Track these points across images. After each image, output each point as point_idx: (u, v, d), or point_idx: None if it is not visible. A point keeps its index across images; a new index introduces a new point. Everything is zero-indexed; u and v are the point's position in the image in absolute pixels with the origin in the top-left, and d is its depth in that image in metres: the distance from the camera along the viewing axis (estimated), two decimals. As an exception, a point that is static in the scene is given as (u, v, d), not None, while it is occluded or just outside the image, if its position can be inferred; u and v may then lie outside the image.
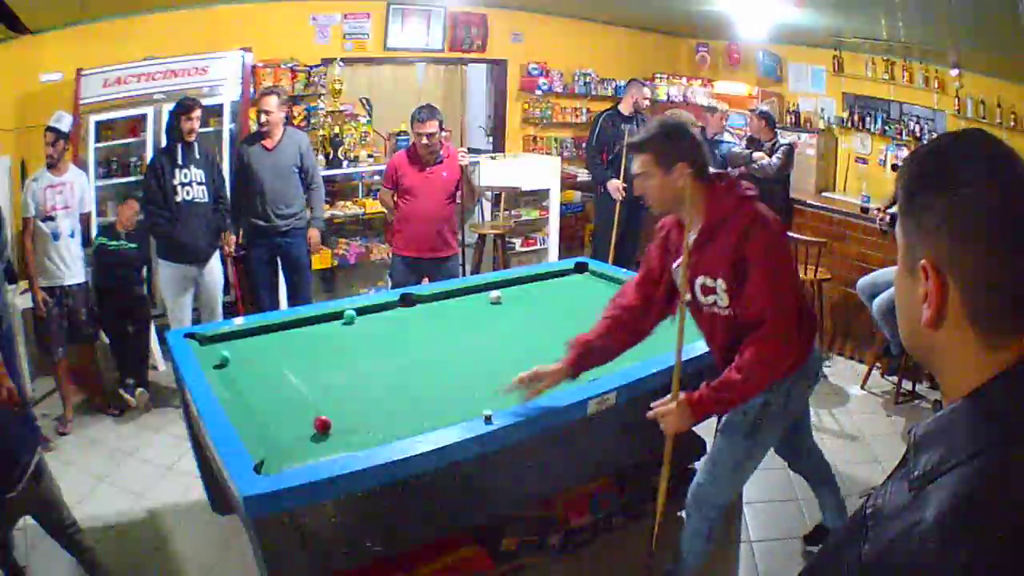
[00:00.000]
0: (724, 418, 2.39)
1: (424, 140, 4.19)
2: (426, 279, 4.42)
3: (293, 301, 4.62)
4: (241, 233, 4.59)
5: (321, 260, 5.20)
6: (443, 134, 4.41)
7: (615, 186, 5.49)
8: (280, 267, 4.65)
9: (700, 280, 2.26)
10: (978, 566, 0.66)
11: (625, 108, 5.74)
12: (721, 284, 2.21)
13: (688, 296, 2.30)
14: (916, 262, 0.82)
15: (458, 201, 4.47)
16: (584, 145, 6.05)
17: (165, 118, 4.56)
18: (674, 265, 2.33)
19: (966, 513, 0.70)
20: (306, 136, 4.83)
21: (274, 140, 4.44)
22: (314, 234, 4.63)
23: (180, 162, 4.09)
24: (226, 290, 4.61)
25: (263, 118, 4.38)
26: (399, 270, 4.47)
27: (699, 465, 2.62)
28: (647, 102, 5.82)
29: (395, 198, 4.44)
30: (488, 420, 2.21)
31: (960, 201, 0.78)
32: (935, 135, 5.41)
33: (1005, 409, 0.77)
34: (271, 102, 4.36)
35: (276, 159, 4.45)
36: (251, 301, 4.76)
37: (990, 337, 0.79)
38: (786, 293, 2.19)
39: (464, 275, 4.67)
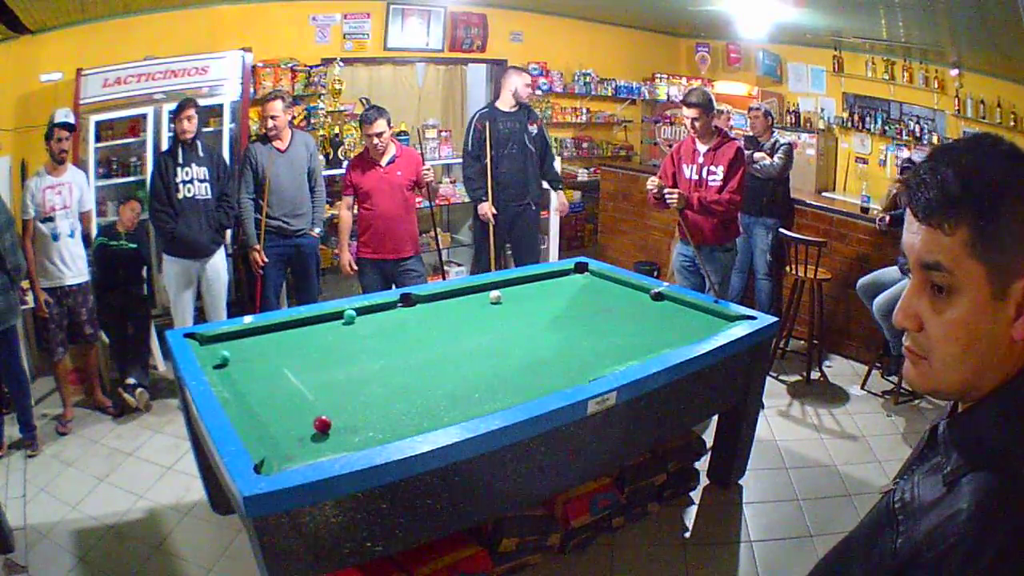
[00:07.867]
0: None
1: (375, 141, 4.26)
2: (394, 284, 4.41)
3: (302, 302, 4.60)
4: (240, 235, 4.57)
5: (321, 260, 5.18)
6: (414, 134, 4.39)
7: (484, 211, 4.85)
8: (290, 269, 4.66)
9: (707, 167, 4.09)
10: (1014, 551, 0.68)
11: (504, 103, 4.92)
12: (720, 169, 4.05)
13: (696, 176, 4.10)
14: (1010, 282, 0.75)
15: (419, 202, 4.44)
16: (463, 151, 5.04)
17: (165, 118, 4.61)
18: (684, 164, 4.18)
19: (1003, 501, 0.72)
20: (311, 137, 4.85)
21: (285, 142, 4.48)
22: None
23: (181, 161, 4.15)
24: (231, 289, 4.59)
25: (270, 123, 4.39)
26: (366, 273, 4.49)
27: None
28: (529, 90, 4.98)
29: (356, 207, 4.48)
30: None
31: None
32: (936, 136, 5.44)
33: None
34: (276, 107, 4.37)
35: (291, 159, 4.49)
36: (254, 302, 4.73)
37: None
38: (744, 183, 4.12)
39: (426, 278, 4.63)
